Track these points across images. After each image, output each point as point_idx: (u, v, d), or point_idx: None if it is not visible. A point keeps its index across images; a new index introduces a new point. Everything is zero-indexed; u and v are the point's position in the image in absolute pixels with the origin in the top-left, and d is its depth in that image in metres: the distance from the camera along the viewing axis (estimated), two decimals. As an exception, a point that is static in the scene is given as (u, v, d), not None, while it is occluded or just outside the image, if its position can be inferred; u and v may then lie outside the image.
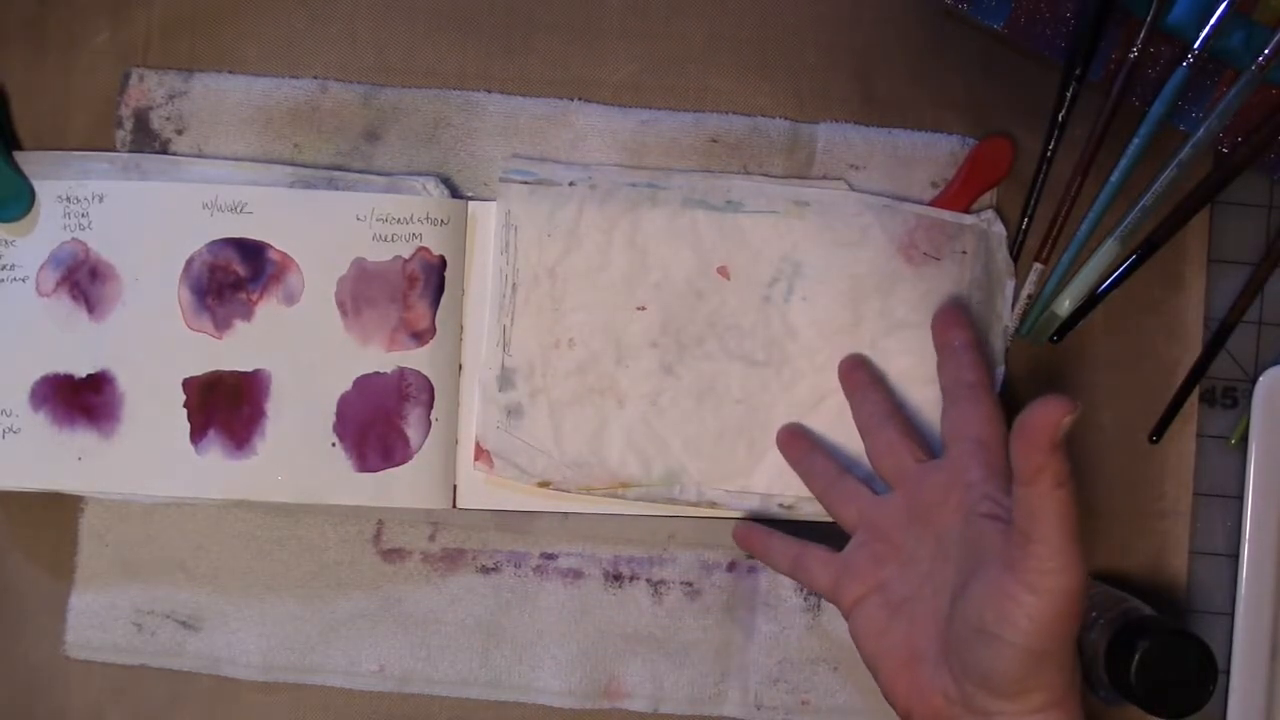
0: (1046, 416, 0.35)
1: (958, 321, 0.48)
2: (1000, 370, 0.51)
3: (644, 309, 0.50)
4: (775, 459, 0.50)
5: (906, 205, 0.51)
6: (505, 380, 0.50)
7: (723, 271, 0.50)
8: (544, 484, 0.50)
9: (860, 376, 0.50)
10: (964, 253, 0.51)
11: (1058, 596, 0.36)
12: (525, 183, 0.50)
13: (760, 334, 0.50)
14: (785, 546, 0.48)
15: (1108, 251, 0.51)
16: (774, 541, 0.49)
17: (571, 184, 0.50)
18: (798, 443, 0.50)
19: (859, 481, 0.48)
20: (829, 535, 0.48)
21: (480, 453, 0.50)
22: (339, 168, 0.51)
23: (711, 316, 0.50)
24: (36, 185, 0.50)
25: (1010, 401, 0.52)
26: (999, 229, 0.51)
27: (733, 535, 0.51)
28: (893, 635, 0.43)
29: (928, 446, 0.47)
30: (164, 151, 0.51)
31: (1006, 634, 0.37)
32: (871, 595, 0.45)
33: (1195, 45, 0.49)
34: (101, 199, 0.50)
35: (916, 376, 0.50)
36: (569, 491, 0.50)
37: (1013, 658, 0.37)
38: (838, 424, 0.50)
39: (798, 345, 0.50)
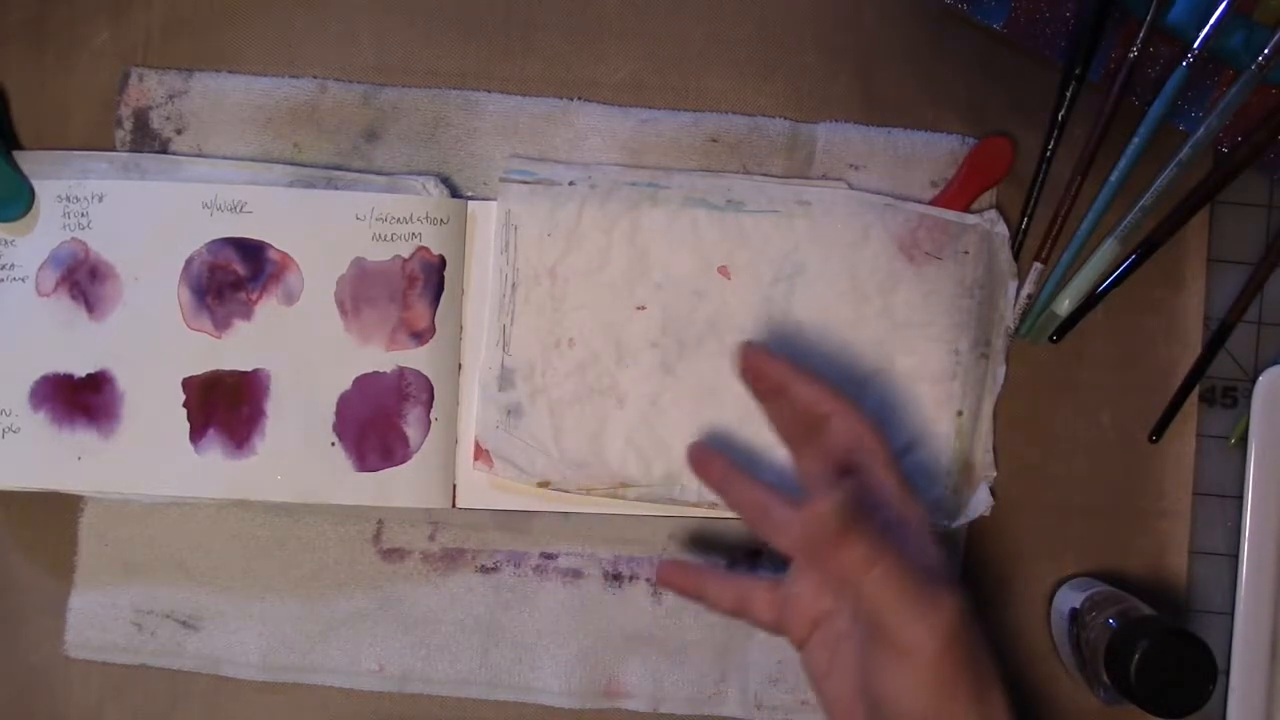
0: (815, 517, 0.36)
1: (767, 359, 0.44)
2: (1001, 370, 0.52)
3: (644, 309, 0.50)
4: (777, 459, 0.50)
5: (909, 205, 0.51)
6: (505, 380, 0.50)
7: (723, 271, 0.50)
8: (544, 484, 0.50)
9: (769, 384, 0.44)
10: (966, 253, 0.51)
11: (928, 661, 0.36)
12: (525, 182, 0.50)
13: (761, 334, 0.50)
14: (723, 584, 0.44)
15: (1108, 251, 0.51)
16: (709, 580, 0.44)
17: (571, 183, 0.50)
18: (714, 465, 0.45)
19: (787, 505, 0.42)
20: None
21: (480, 452, 0.50)
22: (339, 167, 0.51)
23: (712, 316, 0.50)
24: (36, 185, 0.50)
25: (1011, 402, 0.52)
26: (1002, 229, 0.51)
27: (658, 577, 0.46)
28: (836, 675, 0.41)
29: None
30: (164, 151, 0.51)
31: (899, 705, 0.37)
32: (814, 633, 0.41)
33: (1195, 45, 0.49)
34: (101, 199, 0.50)
35: (919, 376, 0.50)
36: (569, 491, 0.50)
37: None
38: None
39: (799, 345, 0.50)
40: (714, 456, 0.45)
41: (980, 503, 0.51)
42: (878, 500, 0.41)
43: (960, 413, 0.51)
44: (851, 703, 0.40)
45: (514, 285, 0.50)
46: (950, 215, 0.51)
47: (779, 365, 0.44)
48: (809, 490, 0.44)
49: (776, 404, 0.45)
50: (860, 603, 0.38)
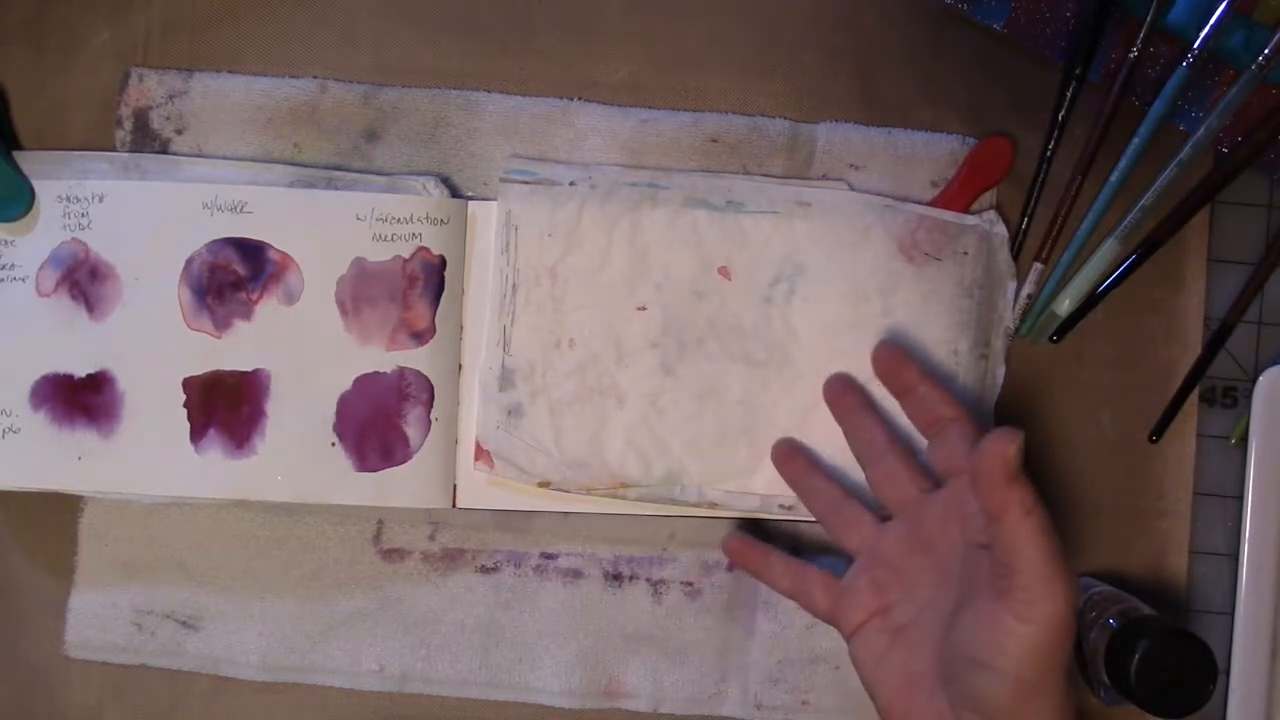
0: (995, 452, 0.36)
1: (902, 360, 0.47)
2: (1000, 370, 0.52)
3: (644, 309, 0.50)
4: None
5: (908, 206, 0.51)
6: (505, 380, 0.50)
7: (723, 272, 0.50)
8: (544, 484, 0.50)
9: (851, 400, 0.49)
10: (965, 253, 0.51)
11: (1044, 625, 0.36)
12: (525, 183, 0.50)
13: (761, 335, 0.50)
14: (785, 566, 0.47)
15: (1108, 251, 0.51)
16: (773, 560, 0.48)
17: (572, 184, 0.50)
18: (794, 461, 0.49)
19: (861, 506, 0.47)
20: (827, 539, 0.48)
21: (480, 453, 0.50)
22: (339, 167, 0.51)
23: (712, 317, 0.50)
24: (36, 185, 0.50)
25: (1011, 402, 0.52)
26: (1001, 230, 0.51)
27: (723, 547, 0.49)
28: (892, 661, 0.43)
29: (928, 473, 0.45)
30: (164, 151, 0.51)
31: (998, 663, 0.37)
32: (872, 620, 0.44)
33: (1195, 45, 0.49)
34: (101, 199, 0.50)
35: (917, 376, 0.50)
36: (569, 491, 0.50)
37: (1004, 686, 0.37)
38: (839, 427, 0.50)
39: (799, 346, 0.50)
40: (798, 453, 0.49)
41: (980, 503, 0.51)
42: None
43: (960, 413, 0.51)
44: (906, 686, 0.42)
45: (514, 285, 0.50)
46: (949, 216, 0.51)
47: (914, 366, 0.46)
48: (886, 503, 0.46)
49: (861, 420, 0.48)
50: (998, 549, 0.37)
